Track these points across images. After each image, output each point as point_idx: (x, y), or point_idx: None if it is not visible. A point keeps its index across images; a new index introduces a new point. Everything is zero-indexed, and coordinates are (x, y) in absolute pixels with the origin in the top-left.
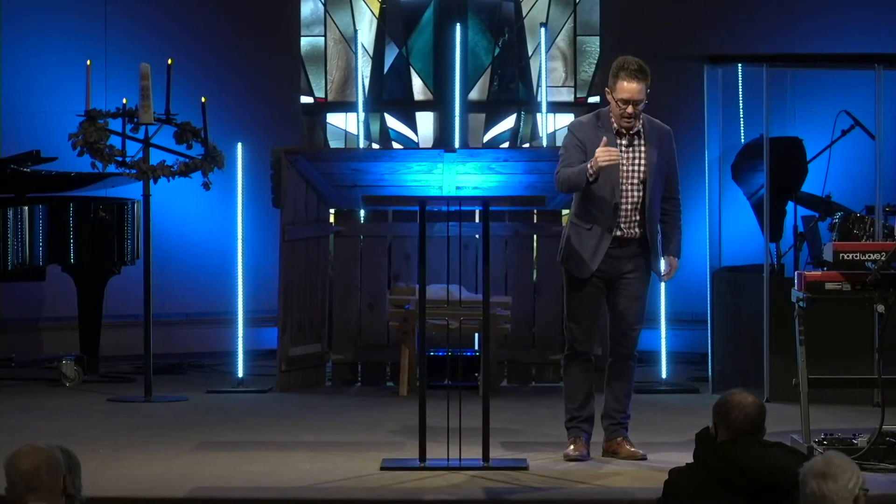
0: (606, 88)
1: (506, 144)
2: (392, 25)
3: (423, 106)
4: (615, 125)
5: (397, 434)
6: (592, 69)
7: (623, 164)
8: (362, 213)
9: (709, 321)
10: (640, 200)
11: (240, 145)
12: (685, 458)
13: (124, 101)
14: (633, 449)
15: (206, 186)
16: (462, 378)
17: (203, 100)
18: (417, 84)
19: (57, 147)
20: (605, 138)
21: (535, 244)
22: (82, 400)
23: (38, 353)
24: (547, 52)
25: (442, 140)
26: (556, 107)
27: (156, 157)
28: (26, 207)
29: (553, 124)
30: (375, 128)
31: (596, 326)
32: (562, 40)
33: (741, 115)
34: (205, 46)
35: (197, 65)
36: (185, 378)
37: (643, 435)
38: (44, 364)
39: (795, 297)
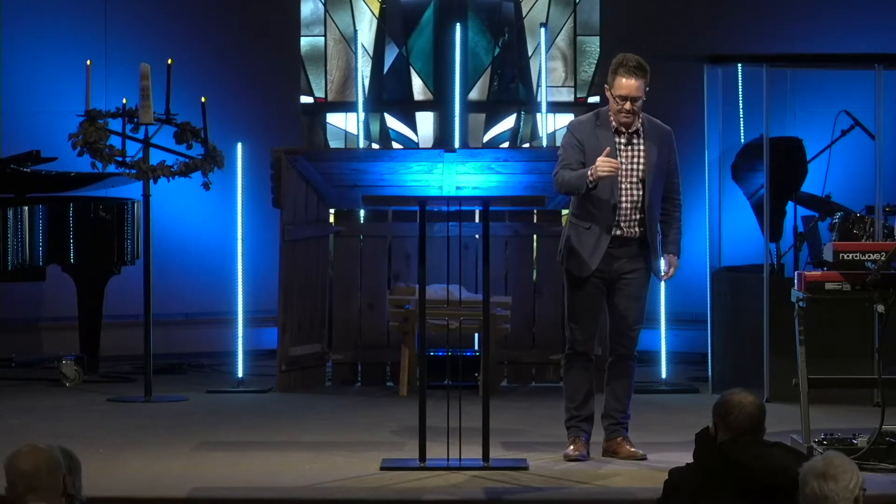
0: (605, 85)
1: (506, 144)
2: (392, 25)
3: (423, 106)
4: (614, 123)
5: (397, 434)
6: (592, 69)
7: (622, 163)
8: (362, 213)
9: (709, 321)
10: (640, 200)
11: (240, 145)
12: (685, 458)
13: (124, 101)
14: (633, 449)
15: (206, 186)
16: (462, 378)
17: (203, 100)
18: (417, 84)
19: (57, 147)
20: (608, 148)
21: (535, 244)
22: (82, 400)
23: (38, 353)
24: (547, 52)
25: (442, 140)
26: (555, 107)
27: (156, 157)
28: (26, 207)
29: (553, 124)
30: (375, 128)
31: (596, 326)
32: (562, 40)
33: (741, 115)
34: (205, 46)
35: (197, 65)
36: (185, 378)
37: (643, 435)
38: (44, 364)
39: (795, 297)
